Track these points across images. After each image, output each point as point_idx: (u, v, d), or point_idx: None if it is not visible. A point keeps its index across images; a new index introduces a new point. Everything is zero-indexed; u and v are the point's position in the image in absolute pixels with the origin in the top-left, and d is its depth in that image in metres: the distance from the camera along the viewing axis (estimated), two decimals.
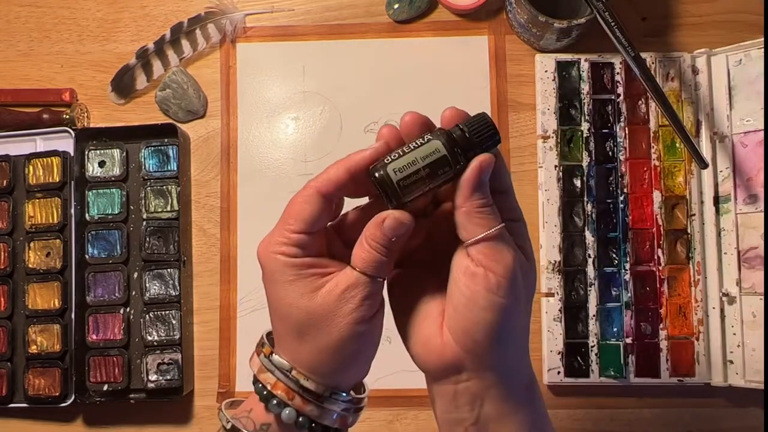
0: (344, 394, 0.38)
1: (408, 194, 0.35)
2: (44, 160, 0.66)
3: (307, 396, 0.36)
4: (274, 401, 0.36)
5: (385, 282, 0.38)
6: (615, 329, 0.64)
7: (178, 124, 0.68)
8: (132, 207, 0.67)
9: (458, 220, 0.35)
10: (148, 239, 0.65)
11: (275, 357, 0.37)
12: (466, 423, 0.36)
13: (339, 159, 0.37)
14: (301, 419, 0.36)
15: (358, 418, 0.40)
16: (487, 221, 0.35)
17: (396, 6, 0.69)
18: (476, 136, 0.35)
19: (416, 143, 0.35)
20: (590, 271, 0.64)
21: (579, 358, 0.64)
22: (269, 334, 0.39)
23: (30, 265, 0.65)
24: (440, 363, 0.36)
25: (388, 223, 0.35)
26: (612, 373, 0.63)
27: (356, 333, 0.35)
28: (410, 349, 0.38)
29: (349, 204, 0.40)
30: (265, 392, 0.37)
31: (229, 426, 0.38)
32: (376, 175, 0.35)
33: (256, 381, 0.38)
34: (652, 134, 0.66)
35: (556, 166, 0.66)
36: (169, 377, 0.64)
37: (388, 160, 0.35)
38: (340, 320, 0.35)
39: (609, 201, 0.66)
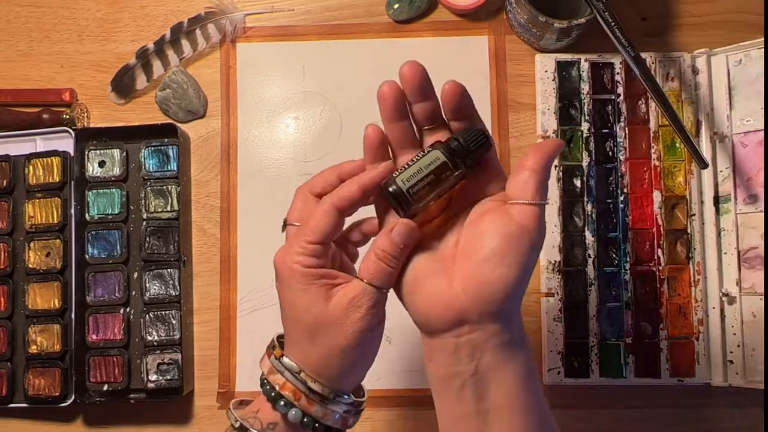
0: (346, 396, 0.40)
1: (417, 201, 0.39)
2: (44, 160, 0.66)
3: (312, 397, 0.39)
4: (282, 402, 0.39)
5: None
6: (615, 329, 0.64)
7: (178, 124, 0.68)
8: (132, 207, 0.67)
9: (518, 178, 0.38)
10: (148, 239, 0.65)
11: (285, 359, 0.40)
12: (465, 375, 0.38)
13: (352, 177, 0.41)
14: (306, 419, 0.39)
15: (357, 420, 0.42)
16: (544, 190, 0.38)
17: (396, 6, 0.69)
18: (471, 143, 0.39)
19: (418, 156, 0.39)
20: (590, 271, 0.64)
21: (579, 358, 0.64)
22: (280, 337, 0.42)
23: (30, 265, 0.65)
24: (444, 316, 0.37)
25: (397, 230, 0.38)
26: (612, 373, 0.63)
27: (361, 340, 0.38)
28: (412, 304, 0.39)
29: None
30: (273, 393, 0.40)
31: (237, 425, 0.40)
32: (390, 189, 0.39)
33: (264, 383, 0.40)
34: (652, 134, 0.66)
35: (556, 166, 0.66)
36: (169, 377, 0.64)
37: (396, 174, 0.39)
38: (348, 328, 0.38)
39: (609, 201, 0.66)
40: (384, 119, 0.40)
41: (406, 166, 0.39)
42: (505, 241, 0.37)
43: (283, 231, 0.43)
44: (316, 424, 0.39)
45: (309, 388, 0.39)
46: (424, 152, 0.39)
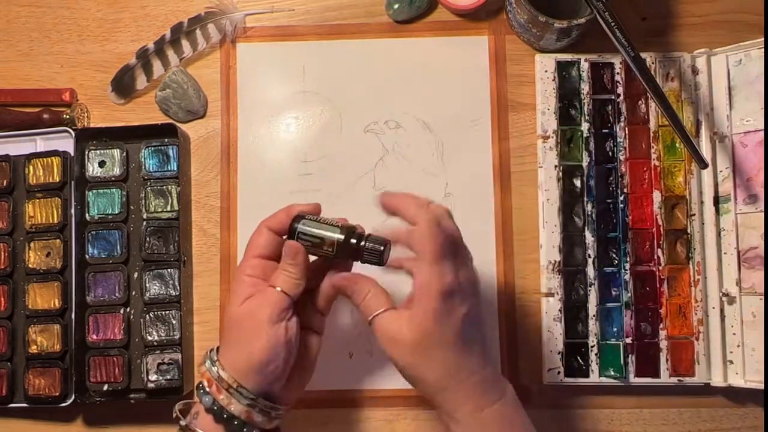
0: (247, 391, 0.46)
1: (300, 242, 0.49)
2: (44, 160, 0.66)
3: (221, 384, 0.47)
4: (201, 390, 0.48)
5: None
6: (615, 329, 0.64)
7: (178, 124, 0.68)
8: (132, 207, 0.67)
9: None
10: (148, 239, 0.65)
11: (212, 353, 0.50)
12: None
13: (289, 205, 0.51)
14: (215, 407, 0.47)
15: (272, 423, 0.48)
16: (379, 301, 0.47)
17: (396, 6, 0.69)
18: (366, 253, 0.47)
19: (334, 224, 0.48)
20: (590, 271, 0.64)
21: (579, 358, 0.64)
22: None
23: (30, 265, 0.65)
24: (397, 366, 0.49)
25: (286, 246, 0.49)
26: (612, 373, 0.63)
27: (270, 334, 0.47)
28: (377, 341, 0.48)
29: None
30: (199, 385, 0.49)
31: (174, 416, 0.50)
32: (293, 224, 0.49)
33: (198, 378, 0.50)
34: (652, 134, 0.66)
35: (556, 166, 0.66)
36: (169, 377, 0.64)
37: (309, 217, 0.49)
38: (258, 325, 0.47)
39: (609, 201, 0.66)
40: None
41: (322, 220, 0.49)
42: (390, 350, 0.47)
43: None
44: (224, 413, 0.46)
45: (219, 377, 0.47)
46: (338, 226, 0.48)
